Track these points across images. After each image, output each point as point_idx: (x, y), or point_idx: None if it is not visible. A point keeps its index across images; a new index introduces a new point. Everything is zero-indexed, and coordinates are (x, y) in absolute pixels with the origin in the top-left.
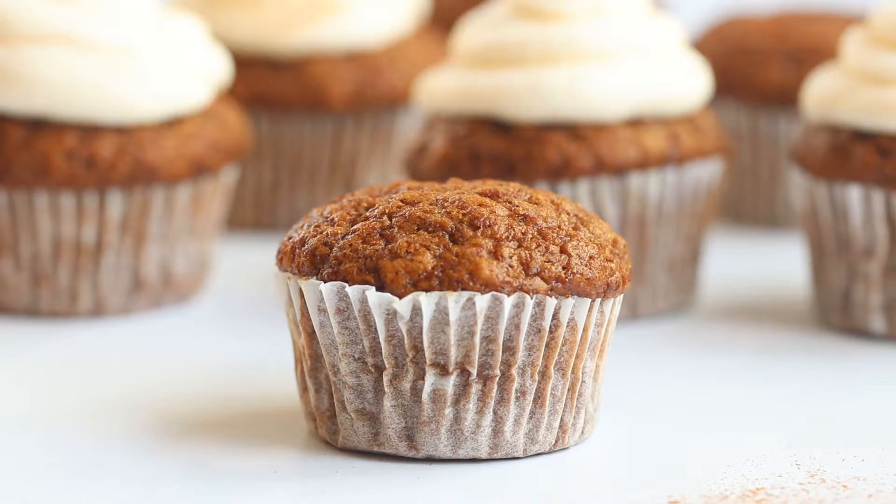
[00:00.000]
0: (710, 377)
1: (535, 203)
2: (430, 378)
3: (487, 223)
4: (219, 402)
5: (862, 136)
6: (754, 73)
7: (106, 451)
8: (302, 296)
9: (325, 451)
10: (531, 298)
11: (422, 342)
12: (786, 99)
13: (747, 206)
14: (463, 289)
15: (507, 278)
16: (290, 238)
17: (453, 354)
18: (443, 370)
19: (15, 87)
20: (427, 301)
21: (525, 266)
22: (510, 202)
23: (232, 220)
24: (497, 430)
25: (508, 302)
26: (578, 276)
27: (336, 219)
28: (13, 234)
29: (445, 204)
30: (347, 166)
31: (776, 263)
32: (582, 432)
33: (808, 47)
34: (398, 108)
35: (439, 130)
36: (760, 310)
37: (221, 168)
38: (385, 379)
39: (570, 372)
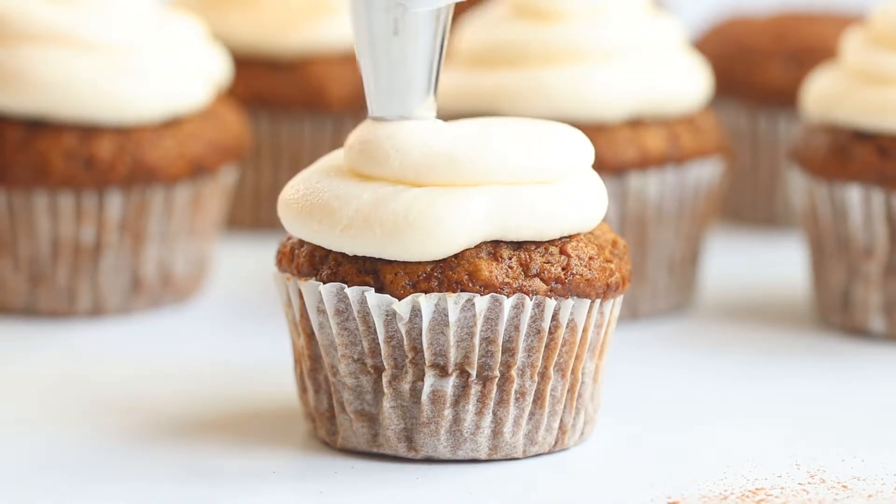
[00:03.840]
0: (710, 377)
1: None
2: (429, 379)
3: None
4: (218, 402)
5: (862, 136)
6: (754, 73)
7: (105, 451)
8: (301, 297)
9: (324, 452)
10: (530, 299)
11: (421, 343)
12: (786, 99)
13: (747, 206)
14: (462, 290)
15: (507, 279)
16: (289, 238)
17: (453, 355)
18: (442, 371)
19: (14, 87)
20: (426, 302)
21: (524, 267)
22: None
23: (231, 220)
24: (496, 431)
25: (508, 303)
26: (578, 276)
27: None
28: (12, 234)
29: None
30: None
31: (776, 263)
32: (581, 433)
33: (808, 47)
34: None
35: None
36: (760, 310)
37: (220, 168)
38: (384, 380)
39: (569, 373)
